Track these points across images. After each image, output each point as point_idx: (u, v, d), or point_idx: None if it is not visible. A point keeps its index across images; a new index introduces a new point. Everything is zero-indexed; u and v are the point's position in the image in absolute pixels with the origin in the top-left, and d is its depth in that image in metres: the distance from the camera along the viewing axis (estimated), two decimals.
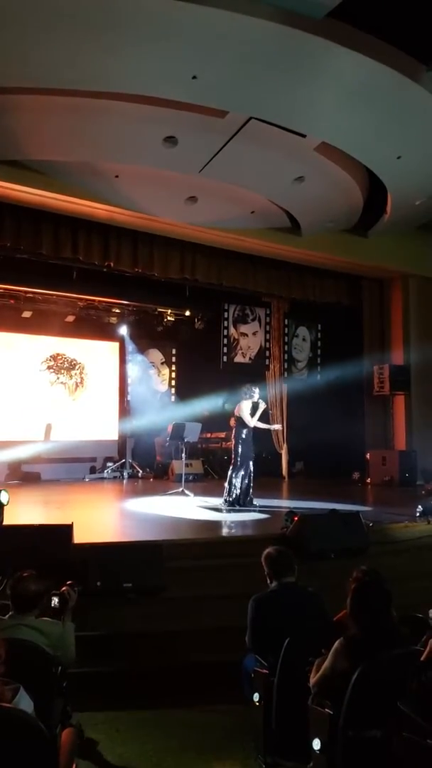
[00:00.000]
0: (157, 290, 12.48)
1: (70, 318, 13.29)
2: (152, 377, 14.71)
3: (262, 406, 8.87)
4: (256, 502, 8.85)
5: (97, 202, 9.48)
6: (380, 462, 12.53)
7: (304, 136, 8.31)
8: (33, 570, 3.54)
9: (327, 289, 13.34)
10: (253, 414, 8.76)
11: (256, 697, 3.60)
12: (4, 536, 5.70)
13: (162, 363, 15.02)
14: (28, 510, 8.51)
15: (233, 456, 8.88)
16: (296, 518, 6.61)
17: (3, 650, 2.65)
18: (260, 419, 8.91)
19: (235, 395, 9.79)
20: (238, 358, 13.74)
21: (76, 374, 13.86)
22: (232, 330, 13.68)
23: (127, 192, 9.40)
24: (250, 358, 13.87)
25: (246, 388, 8.89)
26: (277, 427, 10.08)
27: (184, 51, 6.56)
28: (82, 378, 13.94)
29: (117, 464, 13.49)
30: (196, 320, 14.39)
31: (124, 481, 12.89)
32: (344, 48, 6.65)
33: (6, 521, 6.20)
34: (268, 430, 10.33)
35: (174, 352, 15.10)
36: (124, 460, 13.43)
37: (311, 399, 13.92)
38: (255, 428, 8.86)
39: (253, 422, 8.74)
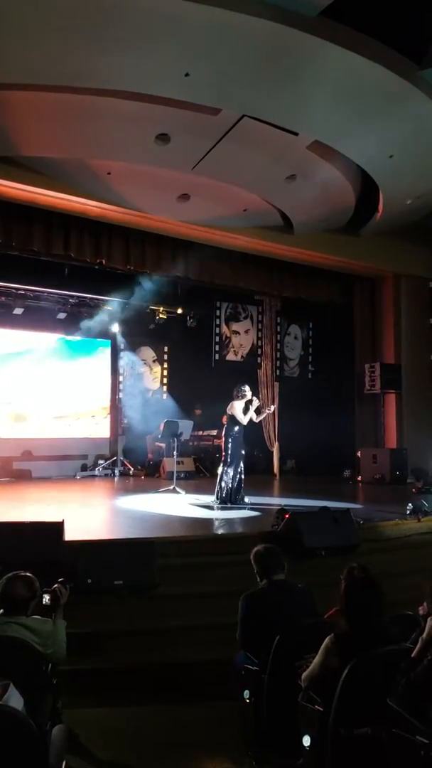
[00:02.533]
0: (149, 288, 12.44)
1: (62, 315, 13.25)
2: (144, 375, 14.69)
3: (255, 403, 8.90)
4: (247, 499, 8.86)
5: (89, 198, 9.46)
6: (371, 460, 12.56)
7: (296, 134, 8.32)
8: (24, 571, 3.52)
9: (318, 288, 13.36)
10: (246, 412, 8.79)
11: (246, 694, 3.61)
12: None
13: (154, 361, 15.00)
14: (18, 507, 8.50)
15: (224, 453, 8.89)
16: (287, 516, 6.62)
17: None
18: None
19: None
20: (230, 356, 13.73)
21: (68, 371, 13.83)
22: (224, 328, 13.67)
23: (120, 189, 9.38)
24: (242, 356, 13.86)
25: (237, 388, 8.90)
26: (271, 407, 10.11)
27: (177, 48, 6.55)
28: (74, 375, 13.91)
29: (108, 462, 13.47)
30: (188, 318, 14.38)
31: (116, 479, 12.88)
32: (337, 46, 6.67)
33: None
34: (264, 420, 10.35)
35: (166, 350, 15.09)
36: (115, 458, 13.42)
37: (303, 397, 13.94)
38: (251, 422, 8.89)
39: (246, 420, 8.77)
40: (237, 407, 8.78)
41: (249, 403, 8.83)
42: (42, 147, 8.36)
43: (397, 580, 5.97)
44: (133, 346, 14.41)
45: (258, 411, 9.05)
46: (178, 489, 10.17)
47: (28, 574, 3.49)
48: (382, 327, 13.53)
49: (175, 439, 10.84)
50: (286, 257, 12.16)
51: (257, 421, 9.20)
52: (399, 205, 10.69)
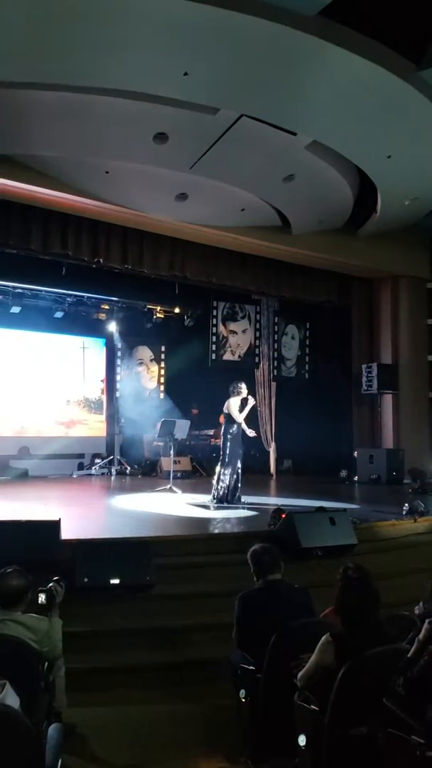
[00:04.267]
0: (147, 287, 12.45)
1: (59, 314, 13.25)
2: (141, 374, 14.69)
3: (251, 402, 8.90)
4: (244, 499, 8.86)
5: (87, 197, 9.45)
6: (368, 460, 12.56)
7: (294, 134, 8.31)
8: (16, 566, 3.53)
9: (316, 288, 13.35)
10: (241, 410, 8.79)
11: (242, 693, 3.61)
12: None
13: (151, 360, 15.00)
14: (15, 506, 8.48)
15: (222, 453, 8.89)
16: (283, 516, 6.63)
17: None
18: (247, 416, 8.92)
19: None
20: (227, 356, 13.73)
21: (65, 371, 13.83)
22: (221, 327, 13.67)
23: (118, 188, 9.37)
24: (239, 356, 13.87)
25: (233, 384, 8.90)
26: (251, 433, 9.19)
27: (176, 48, 6.54)
28: (71, 374, 13.91)
29: (105, 461, 13.46)
30: (185, 317, 14.38)
31: (112, 478, 12.88)
32: (336, 47, 6.66)
33: None
34: (261, 420, 10.21)
35: (163, 349, 15.09)
36: (112, 457, 13.42)
37: (300, 397, 13.95)
38: (236, 424, 8.87)
39: (241, 418, 8.77)
40: (233, 405, 8.78)
41: (245, 401, 8.83)
42: (40, 145, 8.35)
43: (394, 580, 6.00)
44: (131, 346, 14.42)
45: (254, 414, 9.00)
46: (174, 488, 10.16)
47: (17, 568, 3.49)
48: (380, 327, 13.55)
49: (172, 439, 10.83)
50: (283, 257, 12.15)
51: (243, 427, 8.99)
52: (397, 205, 10.70)
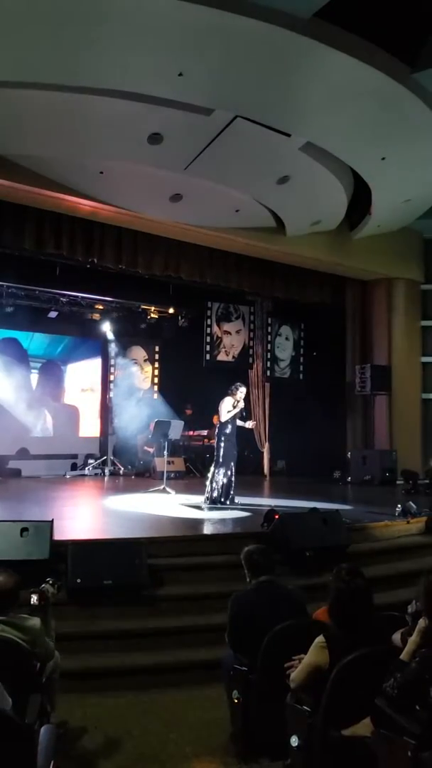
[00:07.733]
0: (141, 287, 12.44)
1: (53, 314, 13.22)
2: (135, 374, 14.68)
3: (240, 405, 8.86)
4: (237, 500, 8.86)
5: (81, 197, 9.42)
6: (361, 461, 12.59)
7: (289, 135, 8.32)
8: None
9: (310, 289, 13.34)
10: (230, 411, 8.80)
11: (235, 694, 3.61)
12: None
13: (145, 360, 14.99)
14: (8, 506, 8.46)
15: (216, 454, 8.89)
16: (277, 516, 6.63)
17: None
18: (237, 418, 8.92)
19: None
20: (221, 356, 13.71)
21: (59, 370, 13.81)
22: (215, 328, 13.66)
23: (112, 188, 9.35)
24: (233, 357, 13.85)
25: (234, 385, 8.91)
26: (250, 424, 9.44)
27: (171, 48, 6.54)
28: (65, 374, 13.89)
29: (98, 461, 13.45)
30: (179, 318, 14.38)
31: (106, 479, 12.86)
32: (331, 48, 6.67)
33: None
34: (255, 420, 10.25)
35: (157, 349, 15.08)
36: (105, 457, 13.40)
37: (293, 398, 13.96)
38: (234, 422, 8.87)
39: (225, 417, 8.77)
40: (226, 403, 8.79)
41: (236, 404, 8.83)
42: (34, 145, 8.32)
43: (387, 581, 6.02)
44: (125, 346, 14.41)
45: (243, 419, 9.02)
46: (168, 489, 10.16)
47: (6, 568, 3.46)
48: (373, 329, 13.57)
49: (166, 439, 10.82)
50: (278, 258, 12.14)
51: (237, 425, 9.02)
52: (391, 207, 10.73)
